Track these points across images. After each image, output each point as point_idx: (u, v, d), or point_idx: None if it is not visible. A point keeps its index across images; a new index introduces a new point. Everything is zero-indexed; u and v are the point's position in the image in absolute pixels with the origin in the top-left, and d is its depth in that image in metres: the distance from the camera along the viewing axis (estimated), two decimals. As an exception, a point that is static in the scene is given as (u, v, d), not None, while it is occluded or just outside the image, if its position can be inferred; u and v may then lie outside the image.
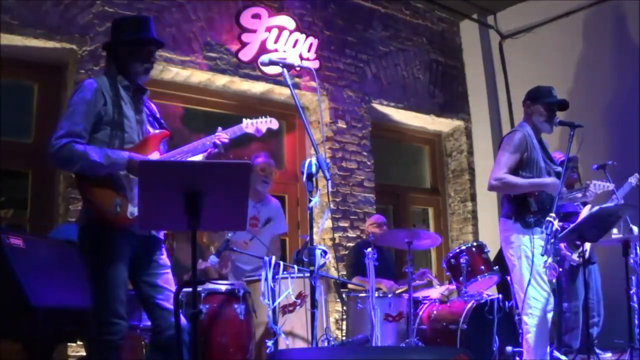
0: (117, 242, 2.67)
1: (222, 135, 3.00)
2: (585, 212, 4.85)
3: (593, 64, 6.76)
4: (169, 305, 2.75)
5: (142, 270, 2.79)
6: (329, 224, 6.01)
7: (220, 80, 5.89)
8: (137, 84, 2.90)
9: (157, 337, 2.76)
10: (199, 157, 2.99)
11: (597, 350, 4.39)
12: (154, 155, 2.86)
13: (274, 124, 3.37)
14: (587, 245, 4.77)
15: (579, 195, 4.00)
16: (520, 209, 3.67)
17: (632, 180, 4.91)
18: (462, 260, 4.70)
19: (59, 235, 3.79)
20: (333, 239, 6.06)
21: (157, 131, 2.93)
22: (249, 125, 3.24)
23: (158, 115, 3.01)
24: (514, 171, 3.70)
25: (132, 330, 3.61)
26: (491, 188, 3.76)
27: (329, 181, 2.98)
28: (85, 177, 2.69)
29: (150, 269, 2.81)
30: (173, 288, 2.82)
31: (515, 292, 3.62)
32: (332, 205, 6.16)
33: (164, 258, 2.89)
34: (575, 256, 4.72)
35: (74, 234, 3.94)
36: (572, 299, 4.92)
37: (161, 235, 2.93)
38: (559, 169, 3.78)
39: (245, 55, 5.80)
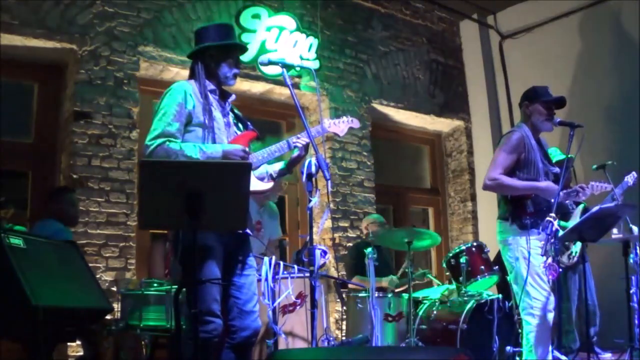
0: (210, 241, 2.72)
1: (300, 139, 3.04)
2: (578, 212, 4.85)
3: (593, 64, 6.75)
4: (248, 307, 2.83)
5: (231, 269, 2.85)
6: (329, 224, 6.01)
7: (220, 80, 5.89)
8: (222, 89, 3.03)
9: (232, 336, 2.81)
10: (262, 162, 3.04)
11: (597, 350, 4.40)
12: None
13: (355, 123, 3.40)
14: (577, 247, 4.77)
15: (572, 195, 3.99)
16: (517, 210, 3.66)
17: (629, 179, 4.90)
18: (462, 260, 4.70)
19: (42, 232, 3.78)
20: (333, 239, 6.05)
21: (245, 132, 3.02)
22: (331, 125, 3.29)
23: (243, 118, 3.11)
24: (511, 171, 3.69)
25: (132, 330, 3.63)
26: (485, 187, 3.76)
27: (329, 181, 2.98)
28: None
29: (238, 269, 2.88)
30: (255, 290, 2.91)
31: (515, 293, 3.62)
32: (332, 205, 6.16)
33: (252, 259, 2.96)
34: (564, 258, 4.71)
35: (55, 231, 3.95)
36: (564, 301, 4.91)
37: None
38: (557, 169, 3.77)
39: (246, 55, 5.78)
